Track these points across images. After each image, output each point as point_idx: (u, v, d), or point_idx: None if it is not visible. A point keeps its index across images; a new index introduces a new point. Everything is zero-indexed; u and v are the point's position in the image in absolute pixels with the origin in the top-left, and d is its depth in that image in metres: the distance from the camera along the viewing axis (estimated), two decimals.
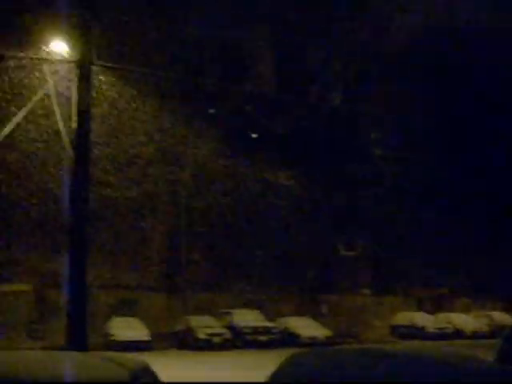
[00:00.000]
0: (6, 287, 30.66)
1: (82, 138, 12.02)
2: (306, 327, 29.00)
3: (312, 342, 26.71)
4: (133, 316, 29.10)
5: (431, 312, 34.74)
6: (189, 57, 29.39)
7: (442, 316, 33.80)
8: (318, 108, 35.81)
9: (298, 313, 32.55)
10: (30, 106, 13.71)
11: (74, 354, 5.08)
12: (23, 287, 31.12)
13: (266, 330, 27.93)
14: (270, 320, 29.73)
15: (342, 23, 34.80)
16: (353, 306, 36.04)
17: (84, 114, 12.05)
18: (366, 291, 37.82)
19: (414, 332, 31.50)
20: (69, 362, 4.29)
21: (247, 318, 28.60)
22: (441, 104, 36.35)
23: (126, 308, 30.86)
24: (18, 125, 15.58)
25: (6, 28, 17.86)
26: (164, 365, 5.74)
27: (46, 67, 13.44)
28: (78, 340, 11.59)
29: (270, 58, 36.68)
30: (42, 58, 14.09)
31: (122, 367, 4.27)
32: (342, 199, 36.34)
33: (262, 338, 27.38)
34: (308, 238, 34.77)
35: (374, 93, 37.29)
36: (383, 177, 37.06)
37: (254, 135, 35.40)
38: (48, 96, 13.18)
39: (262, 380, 5.99)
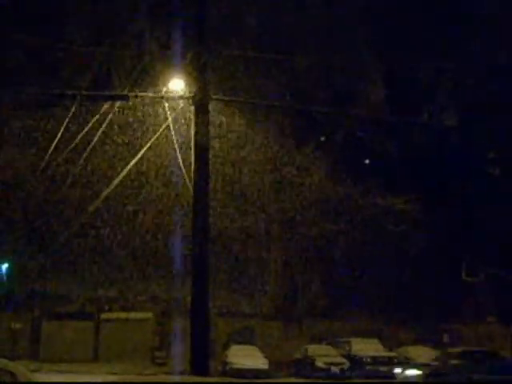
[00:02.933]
0: (128, 315, 32.11)
1: (200, 169, 12.47)
2: (428, 357, 27.83)
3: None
4: (250, 344, 29.36)
5: None
6: (298, 85, 29.73)
7: None
8: (433, 130, 34.88)
9: (418, 342, 31.39)
10: (151, 141, 14.50)
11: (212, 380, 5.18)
12: (145, 315, 32.43)
13: (387, 360, 27.14)
14: (390, 349, 28.90)
15: (455, 41, 33.81)
16: (477, 335, 34.24)
17: (202, 147, 12.52)
18: (492, 319, 35.82)
19: None
20: None
21: (366, 347, 27.94)
22: None
23: (243, 336, 31.23)
24: (141, 159, 16.52)
25: (128, 71, 19.00)
26: None
27: (165, 104, 14.18)
28: (200, 366, 11.88)
29: (379, 81, 36.28)
30: (162, 96, 14.87)
31: None
32: (461, 223, 34.90)
33: (383, 367, 26.64)
34: (426, 264, 33.62)
35: (489, 111, 35.79)
36: (503, 199, 35.26)
37: (366, 161, 35.01)
38: (168, 131, 13.88)
39: None
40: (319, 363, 26.56)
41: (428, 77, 35.95)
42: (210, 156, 13.47)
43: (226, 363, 26.63)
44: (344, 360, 27.06)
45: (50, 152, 19.03)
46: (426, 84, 36.42)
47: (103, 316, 32.30)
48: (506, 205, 34.78)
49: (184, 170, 13.24)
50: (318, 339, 30.76)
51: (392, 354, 28.09)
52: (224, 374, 25.61)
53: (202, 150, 12.62)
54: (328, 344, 29.29)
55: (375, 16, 35.44)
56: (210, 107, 13.79)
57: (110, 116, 15.16)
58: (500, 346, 33.10)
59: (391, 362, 27.11)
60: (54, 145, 19.71)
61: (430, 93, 36.71)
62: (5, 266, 31.25)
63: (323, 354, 27.29)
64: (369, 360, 26.99)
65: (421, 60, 34.20)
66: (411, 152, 34.55)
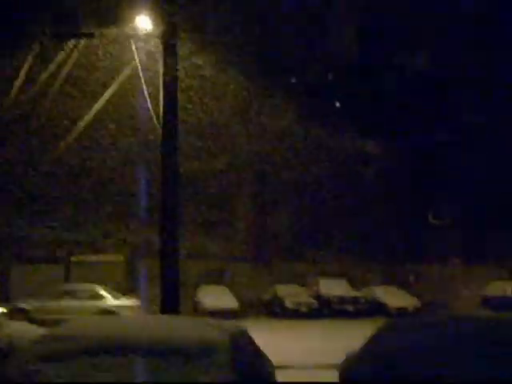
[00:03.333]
0: (99, 258, 32.12)
1: (169, 110, 12.21)
2: (394, 297, 28.64)
3: (400, 313, 26.36)
4: (220, 285, 29.78)
5: None
6: (270, 27, 29.17)
7: None
8: (405, 73, 34.76)
9: (385, 282, 32.17)
10: (118, 81, 14.14)
11: (179, 317, 5.27)
12: (116, 258, 32.49)
13: (354, 300, 27.84)
14: (357, 289, 29.60)
15: None
16: (441, 275, 35.17)
17: (171, 87, 12.22)
18: (456, 260, 36.79)
19: (507, 303, 30.16)
20: (174, 324, 4.45)
21: (334, 288, 28.59)
22: None
23: (213, 277, 31.61)
24: (108, 100, 16.17)
25: (93, 7, 18.34)
26: (253, 332, 5.82)
27: (132, 43, 13.76)
28: (171, 308, 11.96)
29: (352, 22, 35.78)
30: (128, 34, 14.41)
31: (223, 330, 4.41)
32: (430, 166, 35.30)
33: (350, 307, 27.34)
34: (395, 206, 34.12)
35: (464, 57, 35.65)
36: (473, 144, 35.63)
37: (337, 104, 34.86)
38: (135, 70, 13.53)
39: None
40: (288, 303, 27.10)
41: (401, 20, 35.56)
42: (179, 98, 13.15)
43: (196, 303, 27.04)
44: (312, 300, 27.66)
45: (13, 92, 18.42)
46: (398, 27, 36.06)
47: (73, 259, 32.27)
48: (476, 153, 35.23)
49: (153, 112, 12.96)
50: (287, 280, 31.32)
51: (358, 293, 28.79)
52: (194, 314, 25.98)
53: (170, 90, 12.30)
54: (297, 284, 29.87)
55: None
56: (179, 47, 13.36)
57: (75, 54, 14.66)
58: (463, 286, 34.16)
59: (358, 302, 27.85)
60: (18, 85, 19.08)
61: (402, 36, 36.38)
62: None
63: (292, 295, 27.83)
64: (335, 300, 27.65)
65: (393, 4, 33.78)
66: (382, 95, 34.51)
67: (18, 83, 19.57)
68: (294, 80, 32.99)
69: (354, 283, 30.56)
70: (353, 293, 28.67)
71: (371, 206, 34.04)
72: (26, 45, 18.85)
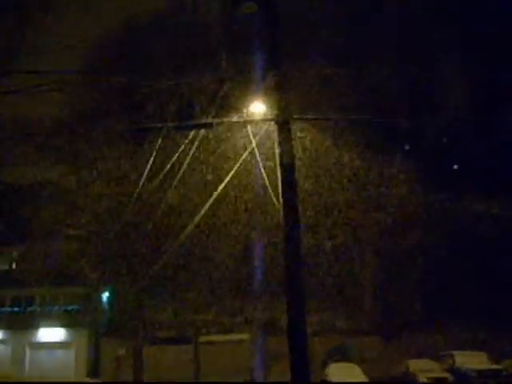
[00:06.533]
0: (226, 337, 32.53)
1: (288, 190, 12.50)
2: None
3: None
4: (348, 361, 29.00)
5: None
6: (378, 98, 29.42)
7: None
8: None
9: None
10: (237, 165, 14.77)
11: None
12: (242, 336, 32.73)
13: (494, 373, 26.01)
14: (496, 362, 27.71)
15: None
16: None
17: (288, 166, 12.55)
18: None
19: None
20: None
21: (471, 361, 26.96)
22: None
23: (340, 353, 30.87)
24: (227, 185, 16.75)
25: (208, 97, 19.44)
26: None
27: (248, 128, 14.34)
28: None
29: (460, 83, 35.22)
30: (245, 120, 15.04)
31: None
32: None
33: (490, 381, 25.54)
34: None
35: None
36: None
37: (455, 166, 33.98)
38: (253, 155, 14.08)
39: None
40: (422, 378, 25.88)
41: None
42: (297, 176, 13.45)
43: (325, 381, 26.49)
44: (448, 374, 26.24)
45: (141, 184, 19.64)
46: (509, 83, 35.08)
47: (201, 339, 32.85)
48: None
49: (272, 192, 13.31)
50: (418, 353, 29.98)
51: (498, 366, 26.94)
52: None
53: (288, 170, 12.64)
54: (429, 358, 28.51)
55: (451, 16, 34.62)
56: (292, 127, 13.79)
57: (195, 144, 15.52)
58: None
59: (499, 375, 26.01)
60: (144, 176, 20.29)
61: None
62: (106, 295, 32.61)
63: (425, 369, 26.59)
64: (473, 374, 25.99)
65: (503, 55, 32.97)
66: (501, 152, 33.26)
67: (144, 174, 20.88)
68: (407, 147, 32.70)
69: (491, 355, 28.66)
70: (492, 365, 26.85)
71: (500, 268, 32.21)
72: (148, 141, 20.23)
